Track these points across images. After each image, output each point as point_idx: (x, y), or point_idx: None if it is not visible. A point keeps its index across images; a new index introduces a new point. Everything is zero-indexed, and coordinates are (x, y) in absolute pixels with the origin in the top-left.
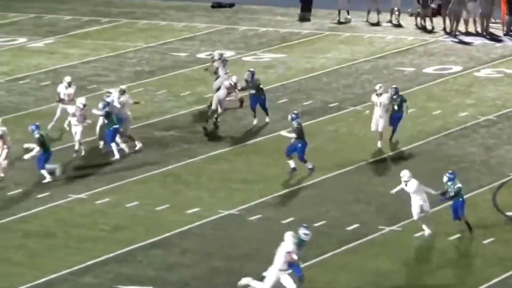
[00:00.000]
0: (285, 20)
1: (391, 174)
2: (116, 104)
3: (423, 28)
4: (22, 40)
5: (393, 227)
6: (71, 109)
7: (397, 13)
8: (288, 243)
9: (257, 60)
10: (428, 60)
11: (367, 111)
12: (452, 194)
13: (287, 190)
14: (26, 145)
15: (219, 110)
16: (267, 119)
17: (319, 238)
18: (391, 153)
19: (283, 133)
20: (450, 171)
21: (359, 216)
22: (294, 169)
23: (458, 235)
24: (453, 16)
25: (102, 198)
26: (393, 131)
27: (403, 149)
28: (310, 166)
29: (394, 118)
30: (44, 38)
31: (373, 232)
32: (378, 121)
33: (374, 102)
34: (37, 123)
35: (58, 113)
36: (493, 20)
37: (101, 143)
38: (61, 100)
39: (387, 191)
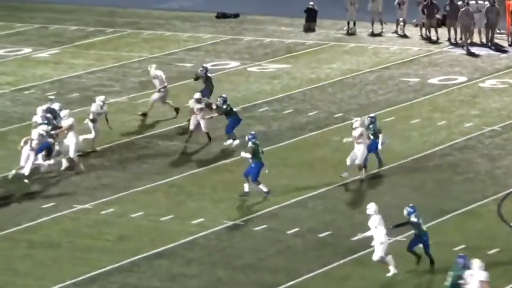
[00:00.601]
0: (290, 31)
1: (396, 184)
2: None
3: (428, 39)
4: (27, 50)
5: (398, 238)
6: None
7: (402, 23)
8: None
9: (262, 70)
10: (433, 71)
11: (345, 140)
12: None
13: (292, 201)
14: (242, 154)
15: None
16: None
17: (324, 249)
18: (395, 164)
19: (242, 154)
20: (410, 205)
21: (364, 226)
22: (247, 193)
23: (463, 246)
24: (463, 28)
25: (107, 208)
26: (378, 160)
27: (408, 159)
28: (265, 190)
29: (372, 147)
30: (49, 48)
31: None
32: (354, 155)
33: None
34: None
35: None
36: (498, 31)
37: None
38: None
39: (391, 201)
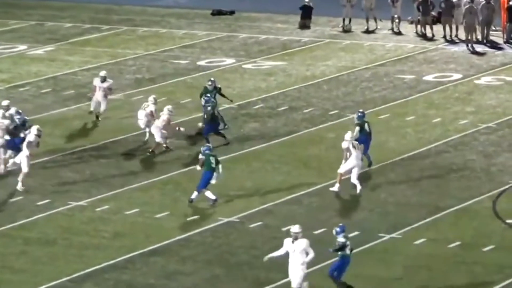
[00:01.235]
0: (285, 28)
1: (391, 182)
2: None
3: (423, 36)
4: (22, 47)
5: (393, 235)
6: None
7: (397, 20)
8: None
9: (257, 67)
10: (428, 68)
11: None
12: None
13: (287, 198)
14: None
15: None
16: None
17: (319, 246)
18: (391, 161)
19: (197, 167)
20: (340, 224)
21: (359, 223)
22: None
23: (458, 243)
24: (466, 26)
25: (102, 205)
26: (367, 158)
27: (403, 156)
28: (213, 198)
29: (363, 141)
30: (45, 45)
31: (373, 239)
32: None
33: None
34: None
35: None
36: (494, 28)
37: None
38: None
39: (387, 198)
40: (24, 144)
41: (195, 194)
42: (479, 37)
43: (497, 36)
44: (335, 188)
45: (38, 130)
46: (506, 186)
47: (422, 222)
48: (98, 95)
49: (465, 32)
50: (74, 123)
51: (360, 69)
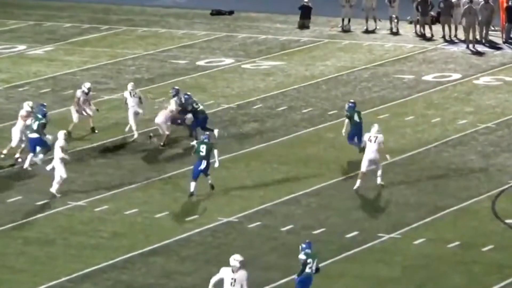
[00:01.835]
0: (284, 28)
1: (391, 181)
2: None
3: (422, 36)
4: (21, 47)
5: (393, 235)
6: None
7: (395, 20)
8: None
9: (256, 67)
10: (427, 68)
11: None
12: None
13: (286, 197)
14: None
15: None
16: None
17: (318, 246)
18: (390, 161)
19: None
20: (307, 241)
21: (358, 223)
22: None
23: (457, 243)
24: (467, 26)
25: (101, 205)
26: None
27: (402, 156)
28: (191, 189)
29: (352, 136)
30: (44, 45)
31: (372, 239)
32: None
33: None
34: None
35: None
36: (493, 28)
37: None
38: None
39: (386, 198)
40: (58, 150)
41: (192, 185)
42: (478, 37)
43: (496, 36)
44: (356, 185)
45: (65, 134)
46: (505, 186)
47: (421, 222)
48: (78, 108)
49: (465, 32)
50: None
51: (359, 69)
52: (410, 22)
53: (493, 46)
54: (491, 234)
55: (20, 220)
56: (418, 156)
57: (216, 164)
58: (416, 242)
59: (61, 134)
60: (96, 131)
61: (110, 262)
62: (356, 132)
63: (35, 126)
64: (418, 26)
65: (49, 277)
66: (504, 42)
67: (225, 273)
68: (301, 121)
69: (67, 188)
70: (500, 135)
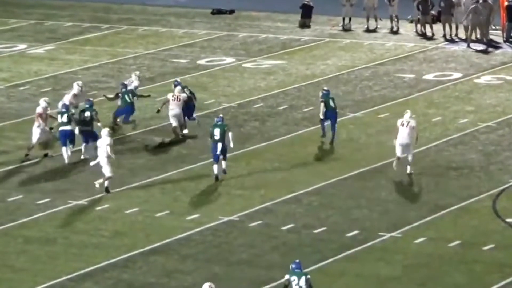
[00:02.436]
0: (285, 27)
1: (391, 180)
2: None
3: (423, 35)
4: (22, 46)
5: (393, 234)
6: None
7: (395, 20)
8: None
9: (257, 66)
10: (428, 67)
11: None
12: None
13: (287, 196)
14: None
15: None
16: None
17: (319, 244)
18: (391, 159)
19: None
20: (296, 261)
21: (359, 222)
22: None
23: (458, 242)
24: (473, 26)
25: (102, 204)
26: (332, 134)
27: (404, 155)
28: (215, 172)
29: (330, 115)
30: (45, 44)
31: (373, 238)
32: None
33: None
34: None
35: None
36: (493, 27)
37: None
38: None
39: (387, 197)
40: (104, 148)
41: (214, 168)
42: (478, 36)
43: (496, 35)
44: (394, 168)
45: (109, 131)
46: (506, 185)
47: (422, 221)
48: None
49: (467, 31)
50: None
51: (360, 68)
52: (411, 21)
53: (494, 45)
54: (492, 233)
55: (20, 219)
56: (419, 155)
57: (231, 145)
58: (417, 241)
59: (105, 132)
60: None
61: (111, 261)
62: (330, 116)
63: (65, 119)
64: (419, 25)
65: (50, 276)
66: (504, 41)
67: None
68: (302, 120)
69: (68, 187)
70: (501, 134)
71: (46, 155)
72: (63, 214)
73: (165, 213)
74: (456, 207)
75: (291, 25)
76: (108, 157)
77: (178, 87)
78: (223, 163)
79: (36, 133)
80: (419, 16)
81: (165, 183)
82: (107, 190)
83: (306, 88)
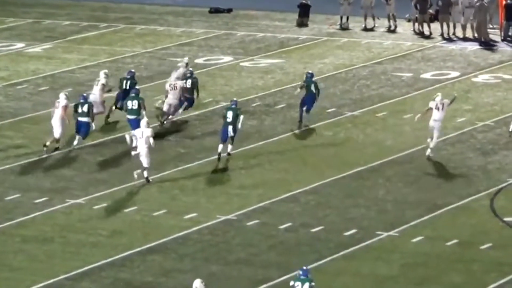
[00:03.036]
0: (283, 26)
1: (389, 179)
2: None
3: (421, 34)
4: (20, 45)
5: (391, 233)
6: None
7: (393, 18)
8: None
9: (255, 65)
10: (425, 66)
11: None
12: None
13: (285, 195)
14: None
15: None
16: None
17: (316, 243)
18: (389, 158)
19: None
20: (304, 267)
21: (356, 221)
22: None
23: (455, 241)
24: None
25: (100, 203)
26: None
27: (401, 154)
28: (228, 150)
29: (307, 100)
30: (42, 43)
31: (370, 237)
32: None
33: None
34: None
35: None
36: (491, 26)
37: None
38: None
39: (385, 196)
40: (145, 140)
41: (219, 147)
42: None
43: (494, 34)
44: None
45: (147, 122)
46: (504, 184)
47: (419, 220)
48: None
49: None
50: (71, 121)
51: (358, 67)
52: (409, 20)
53: (492, 44)
54: (490, 232)
55: (18, 218)
56: (417, 154)
57: (239, 126)
58: (414, 240)
59: (143, 122)
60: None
61: (109, 260)
62: (308, 100)
63: (85, 109)
64: (416, 24)
65: (47, 275)
66: (502, 40)
67: None
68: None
69: (65, 186)
70: (498, 133)
71: (57, 148)
72: (60, 213)
73: (163, 212)
74: (453, 206)
75: (289, 24)
76: (149, 147)
77: (179, 71)
78: (229, 147)
79: (59, 126)
80: (416, 15)
81: (163, 182)
82: (147, 180)
83: None
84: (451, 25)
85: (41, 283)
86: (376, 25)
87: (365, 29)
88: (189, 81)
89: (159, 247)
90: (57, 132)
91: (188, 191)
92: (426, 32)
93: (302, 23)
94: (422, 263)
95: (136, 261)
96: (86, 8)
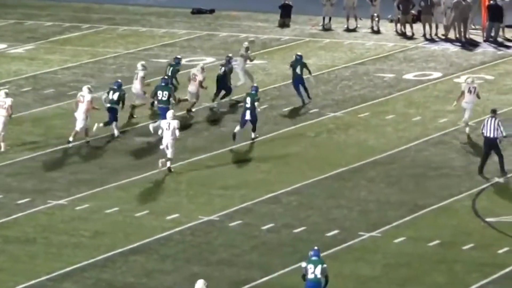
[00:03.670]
0: (265, 26)
1: (371, 180)
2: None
3: (403, 34)
4: (2, 46)
5: (373, 233)
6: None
7: (376, 19)
8: None
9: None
10: (408, 66)
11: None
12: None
13: (267, 196)
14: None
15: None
16: None
17: (299, 244)
18: (371, 159)
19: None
20: (315, 248)
21: (339, 222)
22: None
23: (437, 241)
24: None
25: (82, 204)
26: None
27: (383, 155)
28: (252, 136)
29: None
30: (24, 44)
31: (352, 238)
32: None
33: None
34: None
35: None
36: (473, 26)
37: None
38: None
39: (367, 197)
40: (171, 131)
41: (236, 128)
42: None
43: (477, 35)
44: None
45: (173, 113)
46: (486, 185)
47: (401, 221)
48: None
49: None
50: (54, 121)
51: (340, 68)
52: (391, 21)
53: (474, 44)
54: (472, 232)
55: (0, 219)
56: (399, 154)
57: (258, 110)
58: (396, 241)
59: (170, 114)
60: (135, 116)
61: (91, 261)
62: (296, 83)
63: (116, 97)
64: (399, 24)
65: (29, 276)
66: (484, 41)
67: None
68: (282, 120)
69: (47, 187)
70: (480, 134)
71: (88, 142)
72: (42, 214)
73: (145, 213)
74: (435, 206)
75: (271, 24)
76: (174, 138)
77: (198, 67)
78: (252, 134)
79: (82, 119)
80: (399, 16)
81: (145, 182)
82: (169, 169)
83: (286, 88)
84: (434, 25)
85: (23, 284)
86: (358, 25)
87: (348, 30)
88: (223, 69)
89: (141, 248)
90: (79, 125)
91: (170, 192)
92: (409, 33)
93: (284, 24)
94: (404, 264)
95: (118, 261)
96: (69, 9)
